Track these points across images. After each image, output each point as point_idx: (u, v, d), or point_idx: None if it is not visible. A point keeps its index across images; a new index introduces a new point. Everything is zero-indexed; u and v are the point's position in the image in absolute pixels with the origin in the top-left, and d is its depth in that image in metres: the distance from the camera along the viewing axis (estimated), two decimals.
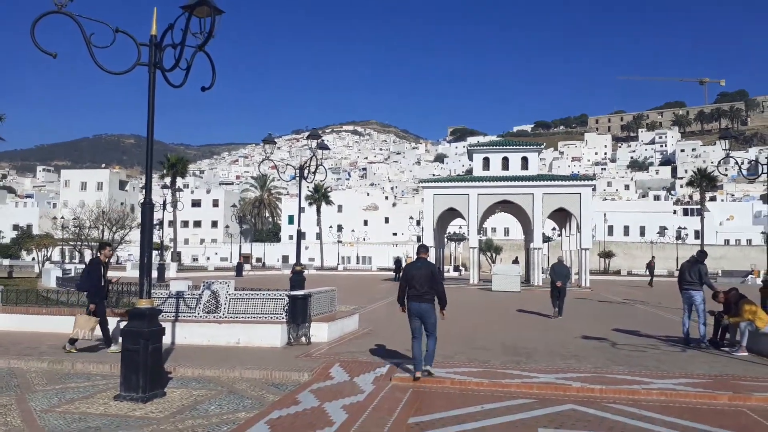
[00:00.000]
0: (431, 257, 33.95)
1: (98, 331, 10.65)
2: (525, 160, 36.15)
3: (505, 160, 36.32)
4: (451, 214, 39.35)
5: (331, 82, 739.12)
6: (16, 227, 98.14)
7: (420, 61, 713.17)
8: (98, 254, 11.10)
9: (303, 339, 11.64)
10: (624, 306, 22.77)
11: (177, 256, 56.93)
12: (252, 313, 11.90)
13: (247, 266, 59.79)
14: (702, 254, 12.97)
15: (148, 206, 7.96)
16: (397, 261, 43.84)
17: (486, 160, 36.72)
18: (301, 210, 21.83)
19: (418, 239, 54.88)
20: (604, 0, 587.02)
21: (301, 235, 20.51)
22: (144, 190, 7.98)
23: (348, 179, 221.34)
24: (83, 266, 11.53)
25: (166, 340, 11.39)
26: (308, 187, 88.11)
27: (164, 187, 41.44)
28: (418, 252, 9.16)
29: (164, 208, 35.16)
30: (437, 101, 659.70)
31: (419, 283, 8.65)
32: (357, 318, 14.09)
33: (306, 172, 19.77)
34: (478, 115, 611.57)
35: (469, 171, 38.27)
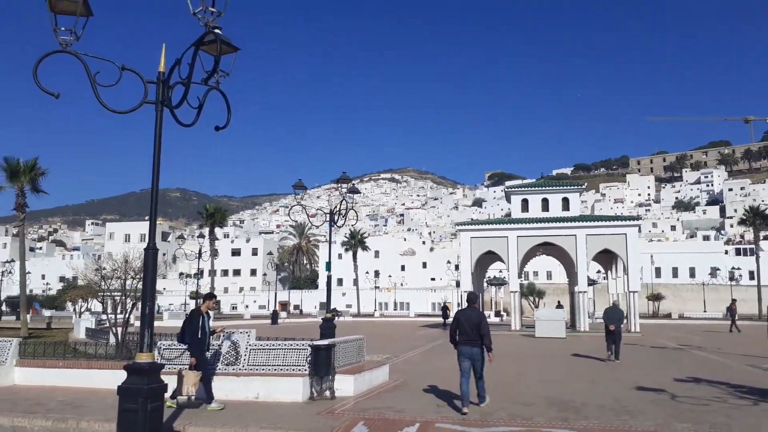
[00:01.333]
0: (479, 305, 32.75)
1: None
2: (566, 200, 34.93)
3: (545, 202, 35.15)
4: (490, 257, 38.12)
5: (368, 130, 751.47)
6: (62, 279, 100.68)
7: (456, 107, 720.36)
8: (201, 304, 10.55)
9: (327, 393, 10.73)
10: (680, 352, 21.06)
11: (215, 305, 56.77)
12: (273, 365, 11.09)
13: (283, 314, 59.28)
14: None
15: (151, 251, 7.36)
16: (444, 307, 42.99)
17: (525, 202, 35.63)
18: (330, 255, 21.16)
19: (457, 284, 53.48)
20: (642, 38, 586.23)
21: (331, 281, 19.80)
22: (148, 235, 7.40)
23: (385, 225, 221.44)
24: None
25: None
26: (345, 233, 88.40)
27: (200, 236, 41.46)
28: (468, 300, 10.41)
29: (200, 256, 35.08)
30: (474, 147, 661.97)
31: (470, 328, 9.79)
32: (387, 369, 13.11)
33: (336, 216, 19.15)
34: (515, 160, 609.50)
35: (508, 215, 37.18)
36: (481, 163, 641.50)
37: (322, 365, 10.65)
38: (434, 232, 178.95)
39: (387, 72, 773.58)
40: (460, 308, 11.08)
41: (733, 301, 38.28)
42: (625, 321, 20.51)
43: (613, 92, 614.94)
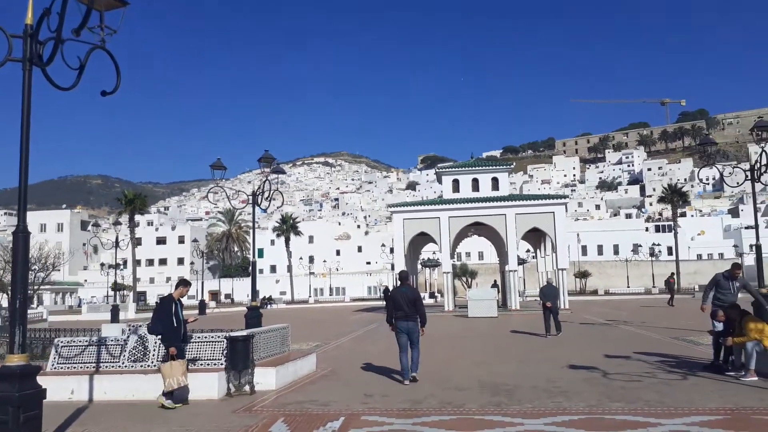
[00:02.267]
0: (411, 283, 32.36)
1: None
2: (495, 180, 35.05)
3: (475, 182, 35.15)
4: (424, 239, 37.94)
5: (300, 113, 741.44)
6: None
7: (387, 91, 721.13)
8: (173, 291, 9.76)
9: (246, 388, 9.89)
10: (608, 328, 21.40)
11: (136, 297, 54.07)
12: (186, 360, 10.13)
13: (212, 303, 57.41)
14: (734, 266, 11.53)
15: (21, 235, 6.25)
16: (386, 290, 42.45)
17: (456, 183, 35.52)
18: (254, 240, 20.10)
19: (393, 267, 53.23)
20: (564, 24, 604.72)
21: (256, 268, 18.81)
22: (17, 216, 6.30)
23: (320, 210, 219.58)
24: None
25: (82, 396, 9.65)
26: (276, 219, 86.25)
27: (116, 223, 39.15)
28: (401, 279, 11.12)
29: (116, 245, 32.91)
30: (407, 131, 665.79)
31: (406, 305, 10.37)
32: (314, 358, 12.37)
33: (260, 198, 18.11)
34: (447, 143, 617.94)
35: (441, 197, 36.96)
36: (415, 146, 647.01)
37: (239, 358, 9.79)
38: (369, 215, 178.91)
39: (320, 55, 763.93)
40: (394, 287, 11.53)
41: (672, 274, 38.42)
42: (560, 298, 21.19)
43: (539, 75, 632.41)
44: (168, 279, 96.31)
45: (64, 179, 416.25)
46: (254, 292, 18.52)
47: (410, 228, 33.96)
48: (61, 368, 10.37)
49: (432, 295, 62.77)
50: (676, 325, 20.92)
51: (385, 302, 41.02)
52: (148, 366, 10.13)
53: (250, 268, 19.00)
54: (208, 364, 10.06)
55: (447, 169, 35.72)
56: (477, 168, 35.22)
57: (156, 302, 10.19)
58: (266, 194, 18.08)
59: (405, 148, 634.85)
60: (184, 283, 9.74)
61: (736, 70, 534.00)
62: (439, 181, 36.46)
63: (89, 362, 10.39)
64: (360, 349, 16.33)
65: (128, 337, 10.51)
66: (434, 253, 63.13)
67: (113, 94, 6.92)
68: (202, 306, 43.67)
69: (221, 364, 9.90)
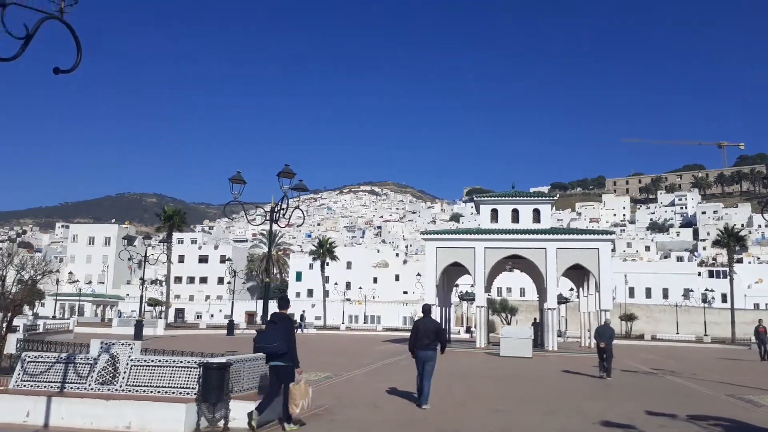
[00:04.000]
0: (436, 315, 30.69)
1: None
2: (537, 212, 33.21)
3: (515, 213, 33.38)
4: (458, 270, 36.24)
5: (349, 142, 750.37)
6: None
7: (437, 123, 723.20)
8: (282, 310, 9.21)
9: (220, 423, 8.63)
10: (652, 378, 19.25)
11: (165, 313, 53.80)
12: (158, 386, 8.97)
13: (243, 324, 56.71)
14: None
15: None
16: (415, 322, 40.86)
17: (494, 213, 33.84)
18: (270, 258, 19.04)
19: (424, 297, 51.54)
20: (619, 62, 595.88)
21: (269, 288, 17.69)
22: None
23: (362, 237, 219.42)
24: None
25: (37, 420, 8.56)
26: (312, 243, 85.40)
27: (146, 237, 38.87)
28: (424, 312, 11.97)
29: (145, 260, 32.42)
30: (454, 163, 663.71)
31: (427, 335, 11.27)
32: (310, 392, 10.95)
33: (278, 216, 17.05)
34: (494, 177, 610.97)
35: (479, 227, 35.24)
36: (461, 179, 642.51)
37: (212, 389, 8.53)
38: (411, 245, 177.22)
39: (371, 86, 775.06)
40: (418, 318, 11.98)
41: (760, 321, 30.83)
42: (615, 340, 19.78)
43: (591, 113, 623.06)
44: (207, 297, 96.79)
45: (122, 195, 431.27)
46: (265, 315, 17.32)
47: (443, 257, 32.38)
48: (24, 386, 9.36)
49: (468, 330, 60.54)
50: (731, 380, 18.63)
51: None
52: (116, 390, 8.99)
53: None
54: (181, 393, 8.84)
55: (486, 198, 34.08)
56: (518, 198, 33.48)
57: (269, 320, 9.34)
58: (285, 211, 16.97)
59: (451, 180, 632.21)
60: (287, 301, 9.32)
61: None
62: (477, 210, 34.86)
63: (55, 381, 9.34)
64: (371, 385, 14.87)
65: (99, 355, 9.42)
66: (472, 286, 61.12)
67: (72, 72, 5.93)
68: (230, 326, 42.83)
69: (194, 393, 8.66)
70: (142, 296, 36.00)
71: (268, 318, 9.27)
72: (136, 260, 34.02)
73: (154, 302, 63.73)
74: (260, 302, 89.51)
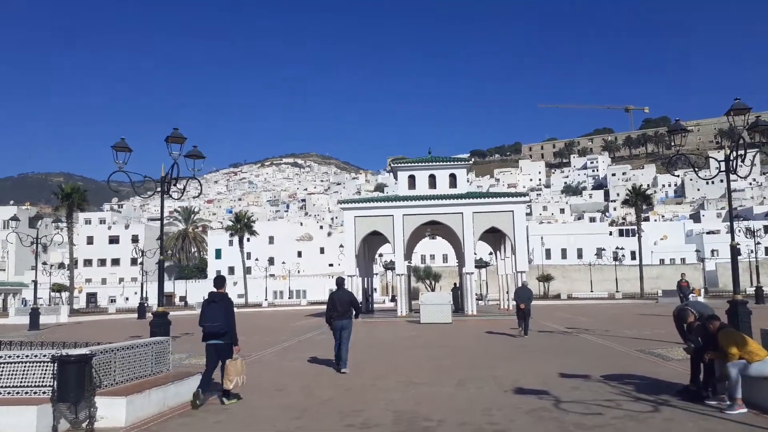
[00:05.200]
0: (357, 285, 29.95)
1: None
2: (453, 177, 32.94)
3: (432, 178, 32.98)
4: (379, 239, 35.68)
5: (271, 113, 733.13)
6: None
7: (358, 93, 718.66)
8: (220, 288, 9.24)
9: (85, 424, 7.40)
10: (567, 338, 19.35)
11: (70, 298, 50.29)
12: (7, 387, 7.60)
13: (155, 307, 53.99)
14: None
15: None
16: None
17: (412, 179, 33.30)
18: (162, 232, 17.48)
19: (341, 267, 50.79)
20: (533, 28, 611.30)
21: (163, 267, 16.20)
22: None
23: (287, 211, 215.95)
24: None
25: None
26: (229, 217, 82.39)
27: (56, 220, 35.75)
28: (337, 284, 12.68)
29: (37, 243, 29.52)
30: (377, 133, 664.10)
31: (341, 305, 12.20)
32: (199, 380, 9.83)
33: (168, 186, 15.51)
34: (416, 146, 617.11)
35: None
36: (385, 149, 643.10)
37: (71, 386, 7.26)
38: (337, 217, 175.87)
39: (293, 57, 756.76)
40: (332, 291, 12.69)
41: (683, 275, 29.44)
42: (533, 301, 20.39)
43: (508, 79, 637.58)
44: (121, 279, 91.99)
45: (25, 176, 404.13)
46: (161, 296, 15.93)
47: (362, 226, 31.61)
48: None
49: (393, 299, 60.54)
50: (642, 335, 19.00)
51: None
52: None
53: (158, 267, 16.36)
54: (35, 393, 7.52)
55: (402, 165, 33.43)
56: (434, 164, 33.04)
57: (208, 299, 9.10)
58: (176, 182, 15.46)
59: (375, 151, 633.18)
60: (224, 280, 9.50)
61: (697, 78, 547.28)
62: (396, 176, 34.21)
63: None
64: (279, 365, 13.90)
65: None
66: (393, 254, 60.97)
67: None
68: (141, 309, 40.37)
69: (49, 393, 7.37)
70: (35, 282, 33.15)
71: (205, 297, 9.28)
72: (26, 243, 31.04)
73: (59, 287, 59.55)
74: (178, 282, 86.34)
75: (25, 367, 7.65)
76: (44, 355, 7.62)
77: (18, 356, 7.71)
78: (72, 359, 7.30)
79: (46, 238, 32.52)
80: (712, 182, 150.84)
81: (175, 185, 15.88)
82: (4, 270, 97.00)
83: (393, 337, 20.71)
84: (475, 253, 43.35)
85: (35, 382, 7.59)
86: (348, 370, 11.81)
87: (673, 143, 15.69)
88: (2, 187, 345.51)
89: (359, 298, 35.47)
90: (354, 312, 12.47)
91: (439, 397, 9.20)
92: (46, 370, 7.60)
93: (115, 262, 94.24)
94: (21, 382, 7.61)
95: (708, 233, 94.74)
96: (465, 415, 7.91)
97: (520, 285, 21.32)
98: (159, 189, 15.84)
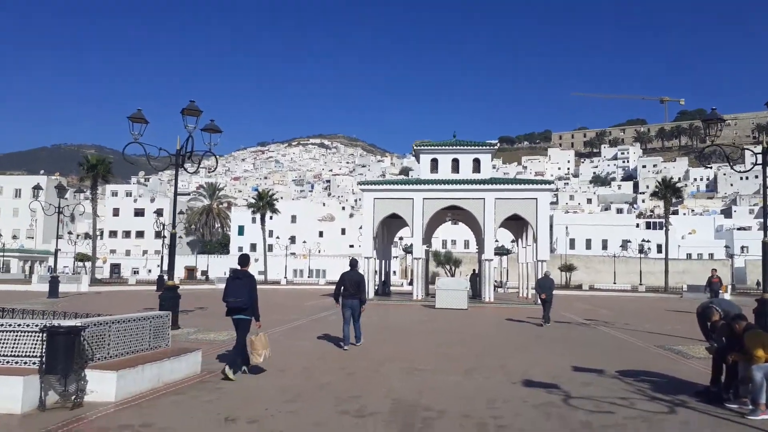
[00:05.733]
0: (369, 268, 29.64)
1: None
2: (477, 162, 32.28)
3: (455, 162, 32.37)
4: (399, 222, 35.27)
5: (299, 95, 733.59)
6: None
7: (389, 77, 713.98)
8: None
9: (74, 398, 7.20)
10: (584, 329, 18.79)
11: (92, 268, 50.97)
12: None
13: (176, 280, 54.60)
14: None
15: None
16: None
17: (434, 162, 32.73)
18: (176, 205, 17.34)
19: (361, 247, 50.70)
20: (567, 18, 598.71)
21: (175, 240, 16.03)
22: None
23: (311, 191, 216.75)
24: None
25: None
26: (251, 195, 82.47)
27: (78, 191, 36.08)
28: (351, 264, 13.11)
29: (59, 212, 29.80)
30: (405, 117, 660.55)
31: (351, 286, 12.68)
32: (199, 357, 9.60)
33: (182, 159, 15.29)
34: (443, 132, 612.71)
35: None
36: (411, 133, 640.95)
37: (59, 358, 7.04)
38: (360, 199, 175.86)
39: (321, 40, 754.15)
40: (344, 271, 13.05)
41: (714, 271, 27.63)
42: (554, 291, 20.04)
43: (540, 67, 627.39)
44: (145, 252, 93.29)
45: (58, 147, 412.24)
46: (171, 269, 15.80)
47: (381, 208, 31.24)
48: None
49: (411, 282, 60.27)
50: (663, 330, 18.36)
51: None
52: None
53: (169, 241, 16.23)
54: (24, 363, 7.33)
55: (426, 147, 32.83)
56: (458, 147, 32.38)
57: (232, 276, 9.49)
58: (191, 155, 15.22)
59: (402, 134, 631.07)
60: (248, 258, 9.83)
61: (736, 72, 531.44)
62: (418, 159, 33.65)
63: None
64: (286, 344, 13.64)
65: None
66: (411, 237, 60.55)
67: None
68: (160, 282, 40.62)
69: (35, 363, 7.17)
70: (56, 251, 33.45)
71: (229, 274, 9.75)
72: (49, 212, 31.34)
73: (83, 257, 60.50)
74: (200, 257, 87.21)
75: (15, 336, 7.45)
76: (36, 325, 7.41)
77: (9, 325, 7.51)
78: (62, 330, 7.08)
79: (68, 209, 32.68)
80: (746, 177, 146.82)
81: (190, 159, 15.65)
82: (32, 238, 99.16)
83: (405, 321, 20.38)
84: (496, 240, 42.83)
85: (25, 352, 7.39)
86: (363, 342, 12.92)
87: (708, 134, 14.87)
88: (37, 157, 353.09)
89: (376, 280, 35.25)
90: (360, 296, 12.81)
91: (443, 386, 8.83)
92: (36, 340, 7.40)
93: (140, 234, 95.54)
94: (11, 351, 7.42)
95: (739, 229, 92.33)
96: (468, 406, 7.52)
97: (542, 275, 21.21)
98: (174, 162, 15.63)
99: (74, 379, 7.21)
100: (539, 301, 20.22)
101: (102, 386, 7.41)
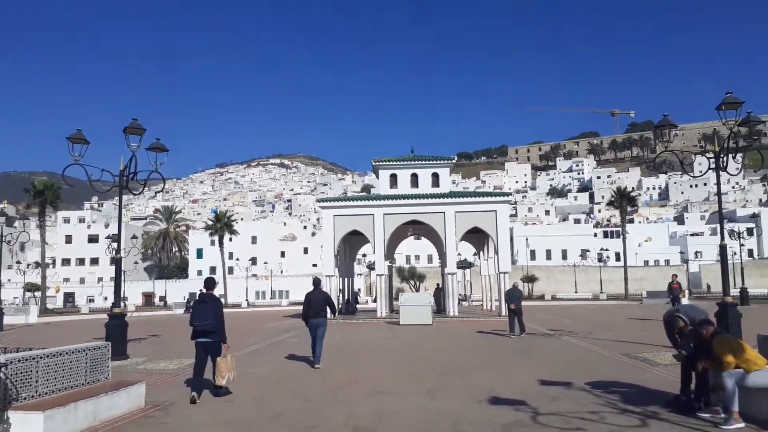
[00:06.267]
0: (332, 286, 29.02)
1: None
2: (436, 176, 32.14)
3: (414, 177, 32.15)
4: (361, 239, 34.76)
5: (259, 114, 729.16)
6: None
7: (348, 96, 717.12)
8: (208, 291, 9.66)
9: None
10: (549, 340, 18.58)
11: (41, 298, 48.78)
12: None
13: (132, 306, 52.81)
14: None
15: None
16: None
17: (393, 177, 32.45)
18: (120, 228, 16.53)
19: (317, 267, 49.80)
20: (523, 33, 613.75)
21: (121, 266, 15.23)
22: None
23: (272, 212, 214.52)
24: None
25: None
26: (209, 217, 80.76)
27: (24, 218, 34.35)
28: (314, 284, 13.23)
29: (1, 241, 28.15)
30: (363, 135, 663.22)
31: (317, 304, 12.81)
32: (142, 389, 8.84)
33: (127, 180, 14.52)
34: (402, 148, 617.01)
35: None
36: (372, 151, 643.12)
37: None
38: (322, 218, 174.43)
39: (279, 58, 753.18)
40: (308, 291, 13.19)
41: (674, 276, 26.87)
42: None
43: (496, 83, 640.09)
44: (100, 279, 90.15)
45: (8, 174, 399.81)
46: (117, 296, 14.94)
47: (342, 225, 30.71)
48: None
49: (375, 300, 59.66)
50: (627, 337, 18.28)
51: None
52: None
53: (116, 267, 15.40)
54: None
55: (384, 163, 32.54)
56: (416, 162, 32.20)
57: (198, 299, 9.58)
58: (135, 175, 14.47)
59: (363, 152, 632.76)
60: (214, 282, 9.85)
61: (682, 83, 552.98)
62: (376, 174, 33.32)
63: None
64: (241, 370, 12.84)
65: None
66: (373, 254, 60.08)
67: None
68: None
69: None
70: (24, 283, 31.63)
71: (196, 297, 9.99)
72: (22, 242, 29.65)
73: (32, 287, 57.93)
74: (158, 282, 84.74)
75: None
76: None
77: None
78: None
79: (12, 236, 31.04)
80: (696, 185, 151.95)
81: (134, 180, 14.89)
82: None
83: (368, 339, 19.82)
84: (459, 254, 42.72)
85: None
86: (321, 365, 12.57)
87: (662, 139, 14.93)
88: None
89: (340, 299, 34.60)
90: (330, 311, 13.01)
91: (405, 409, 8.33)
92: None
93: (94, 261, 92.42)
94: None
95: (692, 235, 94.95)
96: (431, 430, 7.04)
97: (511, 287, 21.49)
98: (117, 184, 14.85)
99: None
100: (506, 312, 20.16)
101: (27, 429, 6.67)
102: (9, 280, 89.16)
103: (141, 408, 8.59)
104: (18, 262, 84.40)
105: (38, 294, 54.62)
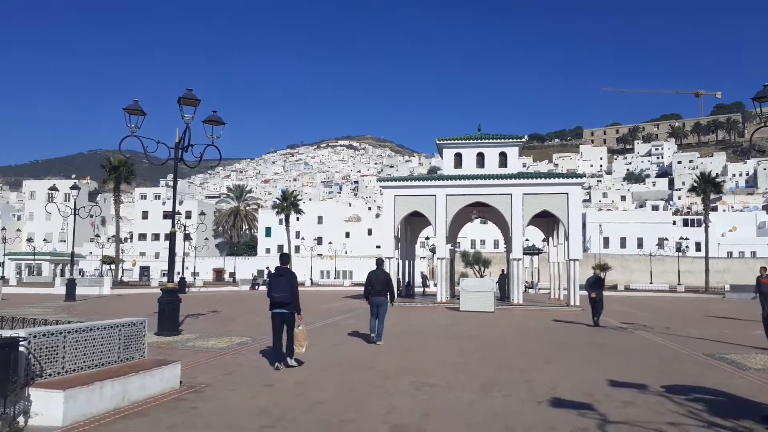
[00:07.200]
0: (391, 269, 28.38)
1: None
2: (503, 156, 30.68)
3: (480, 157, 30.85)
4: (423, 221, 33.89)
5: (327, 97, 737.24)
6: None
7: (417, 77, 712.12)
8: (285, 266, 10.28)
9: (14, 422, 6.11)
10: (622, 334, 17.19)
11: (115, 270, 50.79)
12: None
13: (199, 282, 54.28)
14: None
15: None
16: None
17: (458, 157, 31.28)
18: (175, 201, 16.38)
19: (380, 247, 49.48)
20: (600, 12, 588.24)
21: (175, 241, 15.07)
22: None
23: (339, 192, 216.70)
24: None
25: None
26: (276, 196, 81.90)
27: (94, 192, 35.67)
28: (377, 264, 14.08)
29: (75, 214, 29.22)
30: (433, 117, 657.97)
31: (378, 284, 13.62)
32: (177, 369, 8.44)
33: (181, 152, 14.27)
34: (472, 130, 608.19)
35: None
36: (440, 132, 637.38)
37: None
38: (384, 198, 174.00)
39: (352, 38, 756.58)
40: (371, 270, 13.89)
41: (763, 269, 23.79)
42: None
43: (571, 63, 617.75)
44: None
45: (94, 152, 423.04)
46: (171, 271, 14.82)
47: (402, 206, 29.94)
48: None
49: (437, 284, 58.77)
50: (709, 335, 16.65)
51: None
52: None
53: (169, 241, 15.27)
54: None
55: (448, 142, 31.38)
56: (483, 141, 30.83)
57: (275, 273, 10.17)
58: (190, 147, 14.19)
59: (430, 134, 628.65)
60: (288, 257, 10.58)
61: None
62: (440, 154, 32.24)
63: None
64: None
65: None
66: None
67: None
68: (182, 284, 40.10)
69: None
70: (72, 253, 32.90)
71: (273, 271, 10.41)
72: (66, 214, 30.84)
73: (109, 260, 60.62)
74: (227, 259, 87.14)
75: None
76: None
77: None
78: None
79: (84, 210, 32.18)
80: None
81: (188, 151, 14.63)
82: (65, 241, 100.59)
83: (425, 324, 19.06)
84: (526, 239, 41.06)
85: None
86: (383, 342, 13.40)
87: (761, 114, 13.16)
88: (73, 163, 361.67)
89: (400, 281, 33.98)
90: (389, 293, 13.64)
91: (454, 406, 7.51)
92: None
93: (168, 236, 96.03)
94: None
95: None
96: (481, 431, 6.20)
97: (591, 275, 20.87)
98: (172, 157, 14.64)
99: (13, 401, 6.13)
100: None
101: (48, 408, 6.32)
102: (90, 253, 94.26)
103: (175, 389, 8.18)
104: (97, 236, 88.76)
105: (113, 267, 57.03)
